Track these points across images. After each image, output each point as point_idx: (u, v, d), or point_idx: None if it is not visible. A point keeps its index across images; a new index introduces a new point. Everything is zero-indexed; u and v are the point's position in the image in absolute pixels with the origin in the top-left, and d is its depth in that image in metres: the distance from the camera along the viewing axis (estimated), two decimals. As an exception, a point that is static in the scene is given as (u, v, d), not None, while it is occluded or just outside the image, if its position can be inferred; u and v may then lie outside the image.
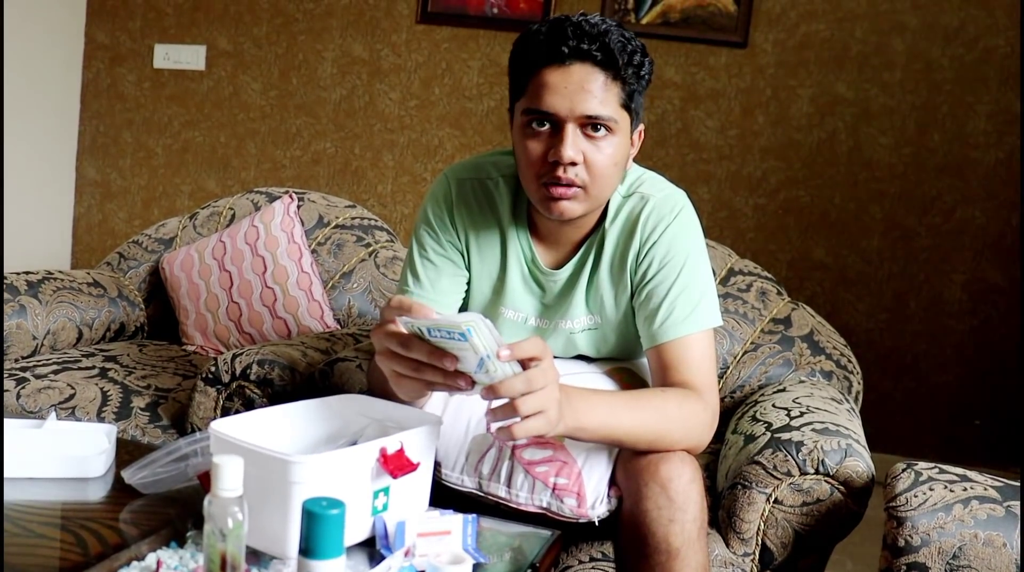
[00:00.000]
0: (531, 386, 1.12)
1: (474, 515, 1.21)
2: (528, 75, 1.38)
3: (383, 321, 1.21)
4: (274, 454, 1.08)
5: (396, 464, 1.13)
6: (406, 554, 1.09)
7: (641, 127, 1.48)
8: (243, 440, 1.12)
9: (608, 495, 1.42)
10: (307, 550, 0.89)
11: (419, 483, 1.24)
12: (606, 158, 1.37)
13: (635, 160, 1.57)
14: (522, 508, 1.43)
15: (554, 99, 1.34)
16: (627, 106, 1.38)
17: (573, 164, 1.35)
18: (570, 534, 1.47)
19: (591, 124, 1.35)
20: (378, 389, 1.42)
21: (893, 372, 3.32)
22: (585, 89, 1.33)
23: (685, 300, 1.45)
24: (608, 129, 1.36)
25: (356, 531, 1.15)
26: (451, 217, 1.56)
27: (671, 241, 1.47)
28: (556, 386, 1.16)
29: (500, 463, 1.44)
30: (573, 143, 1.34)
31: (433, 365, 1.15)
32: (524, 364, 1.14)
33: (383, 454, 1.14)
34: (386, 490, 1.17)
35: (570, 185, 1.36)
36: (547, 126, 1.37)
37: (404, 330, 1.18)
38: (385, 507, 1.17)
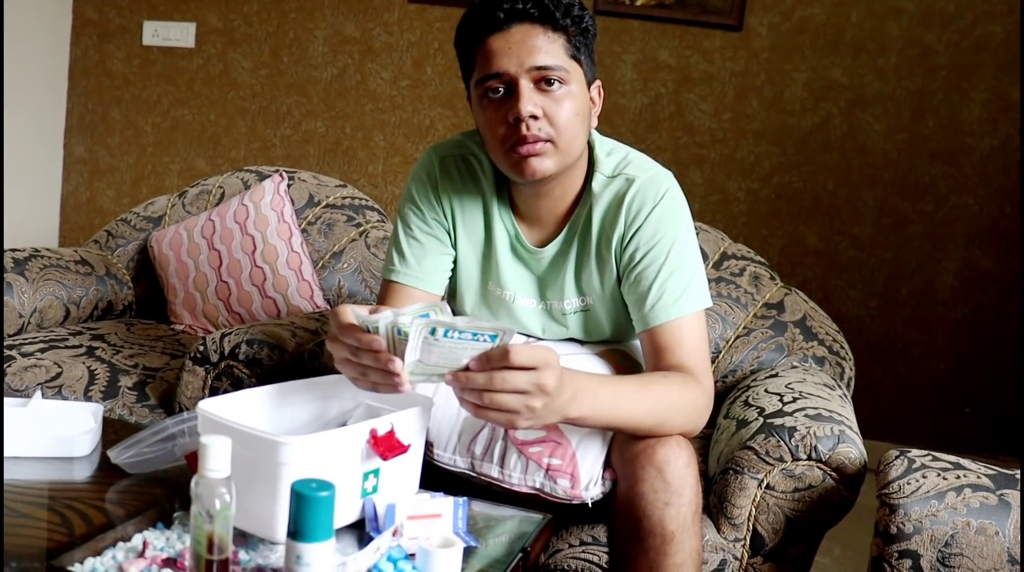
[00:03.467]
0: (492, 385, 1.10)
1: (465, 498, 1.19)
2: (473, 48, 1.41)
3: (335, 313, 1.20)
4: (262, 435, 1.07)
5: (386, 446, 1.12)
6: (394, 534, 1.08)
7: (598, 83, 1.49)
8: (231, 420, 1.10)
9: (602, 477, 1.41)
10: (296, 532, 0.88)
11: (409, 465, 1.23)
12: (565, 110, 1.38)
13: (624, 141, 1.57)
14: (515, 489, 1.42)
15: (501, 60, 1.36)
16: (575, 57, 1.40)
17: (534, 118, 1.36)
18: (562, 516, 1.46)
19: (544, 78, 1.37)
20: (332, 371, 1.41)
21: (884, 359, 3.32)
22: (529, 44, 1.36)
23: (675, 282, 1.44)
24: (560, 81, 1.38)
25: (345, 513, 1.14)
26: (436, 194, 1.56)
27: (657, 223, 1.46)
28: (540, 396, 1.13)
29: (493, 443, 1.43)
30: (529, 98, 1.36)
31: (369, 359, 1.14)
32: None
33: (373, 435, 1.12)
34: (376, 472, 1.15)
35: (536, 141, 1.37)
36: (501, 91, 1.39)
37: (355, 321, 1.16)
38: (375, 489, 1.16)
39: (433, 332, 1.08)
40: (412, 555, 1.07)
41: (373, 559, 1.03)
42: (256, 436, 1.07)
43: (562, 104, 1.38)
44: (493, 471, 1.43)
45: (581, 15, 1.40)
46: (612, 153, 1.54)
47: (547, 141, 1.38)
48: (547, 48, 1.36)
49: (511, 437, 1.42)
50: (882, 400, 3.30)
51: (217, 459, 0.89)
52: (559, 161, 1.41)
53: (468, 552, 1.14)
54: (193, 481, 0.90)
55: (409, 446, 1.16)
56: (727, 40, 3.35)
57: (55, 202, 4.16)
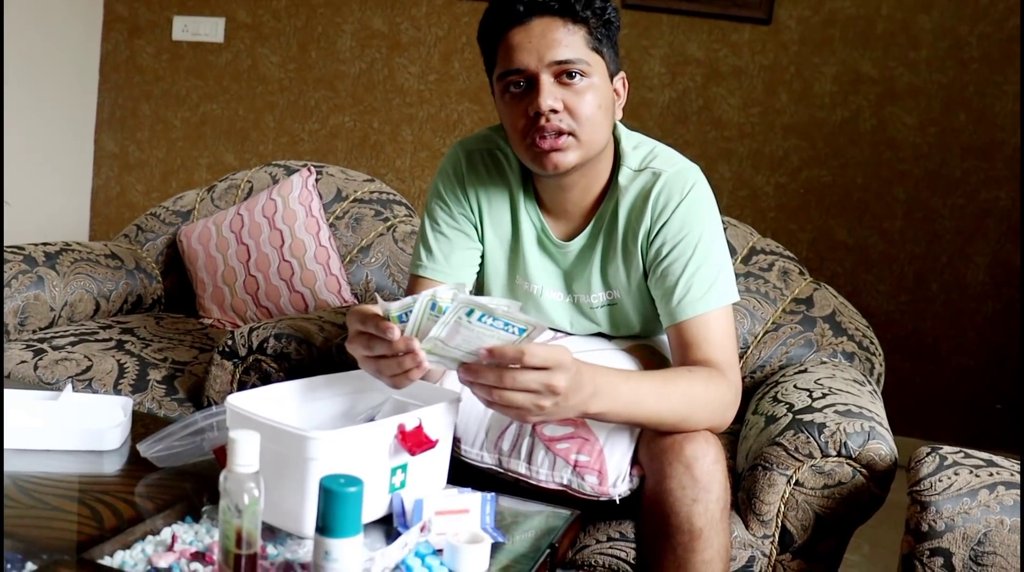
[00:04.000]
0: (501, 382, 1.11)
1: (493, 493, 1.19)
2: (495, 43, 1.41)
3: (353, 311, 1.21)
4: (291, 429, 1.07)
5: (414, 441, 1.12)
6: (421, 529, 1.08)
7: (623, 75, 1.48)
8: (259, 415, 1.11)
9: (630, 473, 1.41)
10: (324, 528, 0.88)
11: (437, 460, 1.23)
12: (587, 102, 1.37)
13: (652, 136, 1.56)
14: (542, 485, 1.41)
15: (522, 55, 1.36)
16: (597, 49, 1.39)
17: (555, 112, 1.36)
18: (589, 513, 1.45)
19: (565, 72, 1.36)
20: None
21: (913, 354, 3.29)
22: (549, 38, 1.35)
23: (702, 277, 1.43)
24: (582, 73, 1.37)
25: (373, 508, 1.14)
26: (463, 188, 1.56)
27: (684, 218, 1.45)
28: (550, 397, 1.14)
29: (520, 439, 1.43)
30: (549, 92, 1.35)
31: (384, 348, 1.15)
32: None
33: (401, 431, 1.12)
34: (404, 467, 1.15)
35: (558, 134, 1.37)
36: (523, 86, 1.39)
37: (379, 312, 1.17)
38: (403, 484, 1.16)
39: (470, 313, 1.08)
40: (440, 551, 1.07)
41: (401, 555, 1.03)
42: (284, 431, 1.07)
43: (583, 97, 1.37)
44: (521, 467, 1.43)
45: (603, 6, 1.40)
46: (639, 147, 1.53)
47: (569, 134, 1.38)
48: (567, 41, 1.36)
49: (539, 433, 1.42)
50: (912, 396, 3.27)
51: (246, 454, 0.89)
52: (581, 154, 1.40)
53: (496, 548, 1.13)
54: (222, 476, 0.90)
55: (437, 441, 1.16)
56: (756, 34, 3.33)
57: (86, 196, 4.19)
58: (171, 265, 2.60)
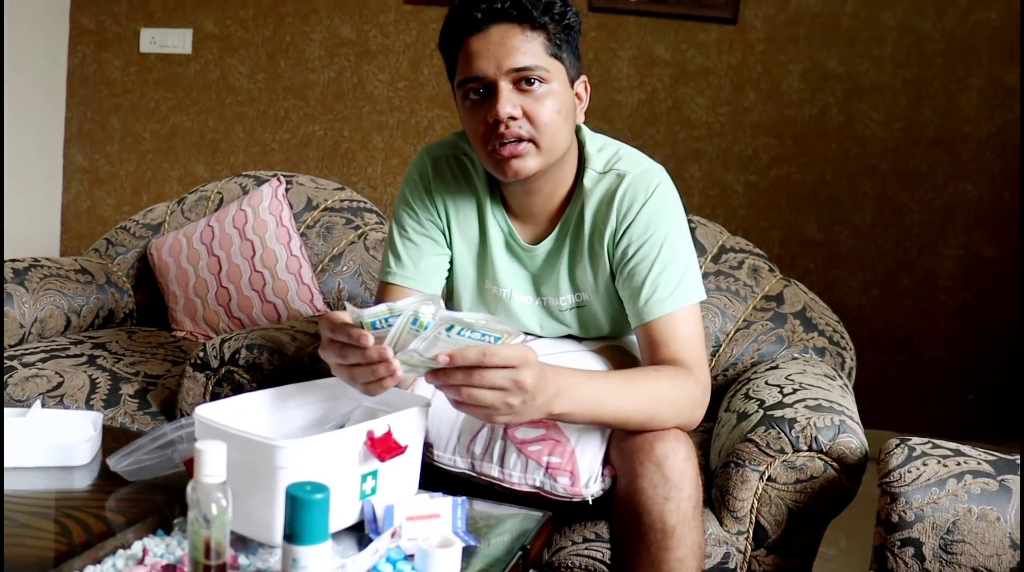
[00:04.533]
0: (470, 381, 1.13)
1: (464, 497, 1.20)
2: (455, 50, 1.42)
3: (324, 318, 1.22)
4: (259, 439, 1.07)
5: (383, 447, 1.12)
6: (392, 535, 1.08)
7: (584, 79, 1.49)
8: (228, 425, 1.11)
9: (602, 474, 1.41)
10: (291, 535, 0.88)
11: (408, 466, 1.23)
12: (546, 109, 1.38)
13: (622, 137, 1.57)
14: (515, 488, 1.42)
15: (480, 63, 1.37)
16: (556, 55, 1.40)
17: (513, 119, 1.37)
18: (563, 514, 1.46)
19: (523, 78, 1.37)
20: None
21: (886, 348, 3.32)
22: (507, 45, 1.36)
23: (668, 277, 1.44)
24: (541, 80, 1.38)
25: (344, 515, 1.14)
26: (429, 195, 1.57)
27: (649, 218, 1.46)
28: (518, 394, 1.15)
29: (492, 443, 1.43)
30: (508, 99, 1.36)
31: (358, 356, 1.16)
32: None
33: (370, 437, 1.13)
34: (374, 473, 1.16)
35: (518, 141, 1.38)
36: (483, 93, 1.39)
37: (350, 320, 1.18)
38: (374, 490, 1.16)
39: (450, 328, 1.09)
40: (411, 556, 1.07)
41: (372, 560, 1.03)
42: (252, 440, 1.07)
43: (543, 103, 1.38)
44: (493, 471, 1.43)
45: (563, 11, 1.40)
46: (603, 149, 1.54)
47: (528, 140, 1.39)
48: (525, 48, 1.36)
49: (510, 436, 1.42)
50: (885, 389, 3.30)
51: (212, 464, 0.89)
52: (542, 160, 1.41)
53: (468, 551, 1.14)
54: (189, 487, 0.91)
55: (407, 447, 1.16)
56: (723, 33, 3.35)
57: (56, 211, 4.16)
58: (142, 278, 2.59)
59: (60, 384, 1.97)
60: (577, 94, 1.47)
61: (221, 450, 0.90)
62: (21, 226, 4.00)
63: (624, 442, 1.38)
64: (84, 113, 4.07)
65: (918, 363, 3.31)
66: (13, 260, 2.32)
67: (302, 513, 0.87)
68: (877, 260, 3.31)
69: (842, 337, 2.04)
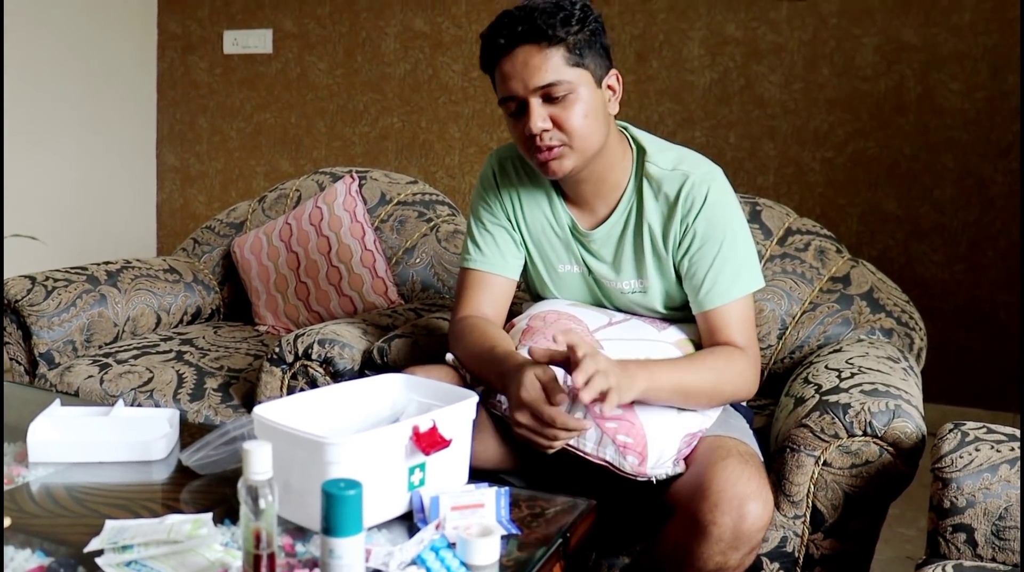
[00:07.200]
0: (585, 373, 1.29)
1: (507, 488, 1.25)
2: (492, 71, 1.55)
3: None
4: (310, 436, 1.14)
5: (428, 441, 1.18)
6: (437, 527, 1.14)
7: (614, 72, 1.59)
8: (282, 424, 1.18)
9: (675, 461, 1.49)
10: (327, 528, 0.94)
11: (456, 458, 1.29)
12: (575, 115, 1.50)
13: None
14: (588, 457, 1.49)
15: (511, 84, 1.50)
16: (578, 63, 1.50)
17: (545, 130, 1.49)
18: (624, 497, 1.50)
19: (549, 93, 1.48)
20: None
21: (971, 323, 3.23)
22: (530, 65, 1.48)
23: (728, 271, 1.58)
24: (565, 91, 1.49)
25: (394, 506, 1.22)
26: (498, 191, 1.73)
27: (710, 216, 1.58)
28: (608, 373, 1.32)
29: (573, 412, 1.49)
30: (538, 114, 1.49)
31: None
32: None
33: (415, 432, 1.19)
34: (422, 466, 1.22)
35: (551, 148, 1.51)
36: (518, 108, 1.52)
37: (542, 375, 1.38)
38: (422, 482, 1.22)
39: None
40: (454, 544, 1.13)
41: (417, 550, 1.09)
42: (305, 437, 1.14)
43: (571, 111, 1.50)
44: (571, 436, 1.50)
45: (582, 19, 1.48)
46: (665, 150, 1.65)
47: (563, 145, 1.51)
48: (545, 66, 1.47)
49: (591, 410, 1.48)
50: (971, 365, 3.22)
51: (259, 462, 0.96)
52: (577, 158, 1.54)
53: (510, 539, 1.19)
54: (239, 483, 0.98)
55: (451, 441, 1.22)
56: (794, 9, 3.30)
57: (152, 210, 4.35)
58: (227, 275, 2.71)
59: (150, 379, 2.09)
60: (609, 87, 1.57)
61: (267, 450, 0.97)
62: (121, 226, 4.19)
63: (707, 472, 1.43)
64: (174, 115, 4.24)
65: (1005, 338, 3.22)
66: (107, 262, 2.45)
67: (336, 508, 0.93)
68: (960, 234, 3.23)
69: (911, 317, 2.01)
